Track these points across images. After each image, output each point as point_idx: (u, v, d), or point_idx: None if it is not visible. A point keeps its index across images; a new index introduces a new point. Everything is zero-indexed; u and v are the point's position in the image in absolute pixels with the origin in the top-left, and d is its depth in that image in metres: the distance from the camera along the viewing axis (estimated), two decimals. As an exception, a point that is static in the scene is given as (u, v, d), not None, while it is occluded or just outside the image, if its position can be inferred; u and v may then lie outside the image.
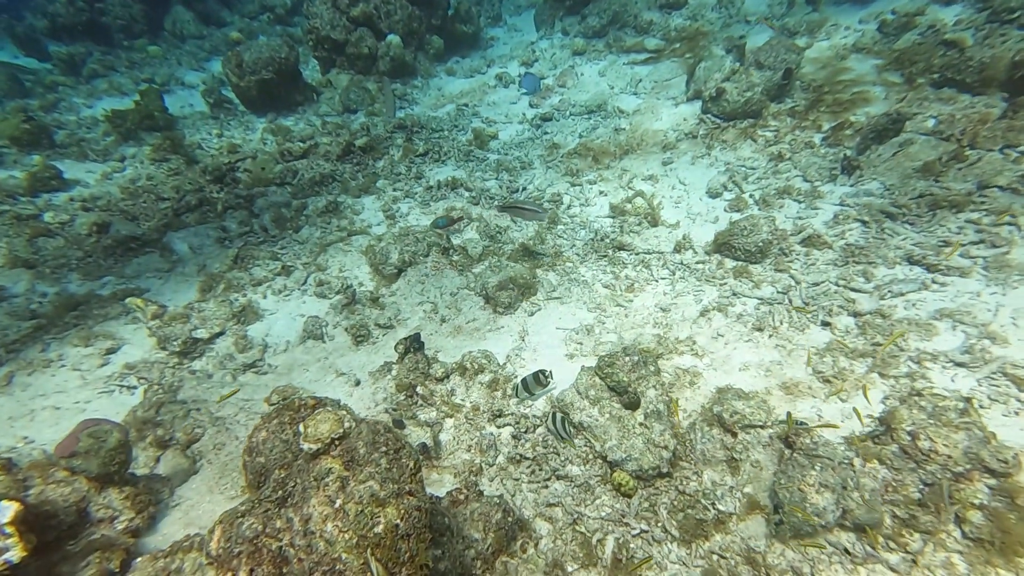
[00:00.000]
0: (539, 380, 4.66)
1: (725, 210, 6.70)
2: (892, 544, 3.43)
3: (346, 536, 2.47)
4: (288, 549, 2.43)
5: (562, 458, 4.44)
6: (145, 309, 5.21)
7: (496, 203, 7.35)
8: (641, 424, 4.32)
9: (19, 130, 8.88)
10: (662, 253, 6.46)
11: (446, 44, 12.09)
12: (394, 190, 8.33)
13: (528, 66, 11.52)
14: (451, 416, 4.77)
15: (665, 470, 4.14)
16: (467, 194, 8.22)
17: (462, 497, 3.86)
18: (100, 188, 8.15)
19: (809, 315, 5.08)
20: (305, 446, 2.58)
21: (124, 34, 13.54)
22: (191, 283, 6.37)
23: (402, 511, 2.63)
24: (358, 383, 5.10)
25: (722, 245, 6.05)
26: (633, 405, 4.45)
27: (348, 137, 8.92)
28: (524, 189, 8.30)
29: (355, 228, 7.43)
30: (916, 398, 3.73)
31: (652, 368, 4.57)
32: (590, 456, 4.41)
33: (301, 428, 2.61)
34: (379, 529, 2.53)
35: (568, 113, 9.86)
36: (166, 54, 12.94)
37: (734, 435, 4.16)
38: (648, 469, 4.13)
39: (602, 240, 6.90)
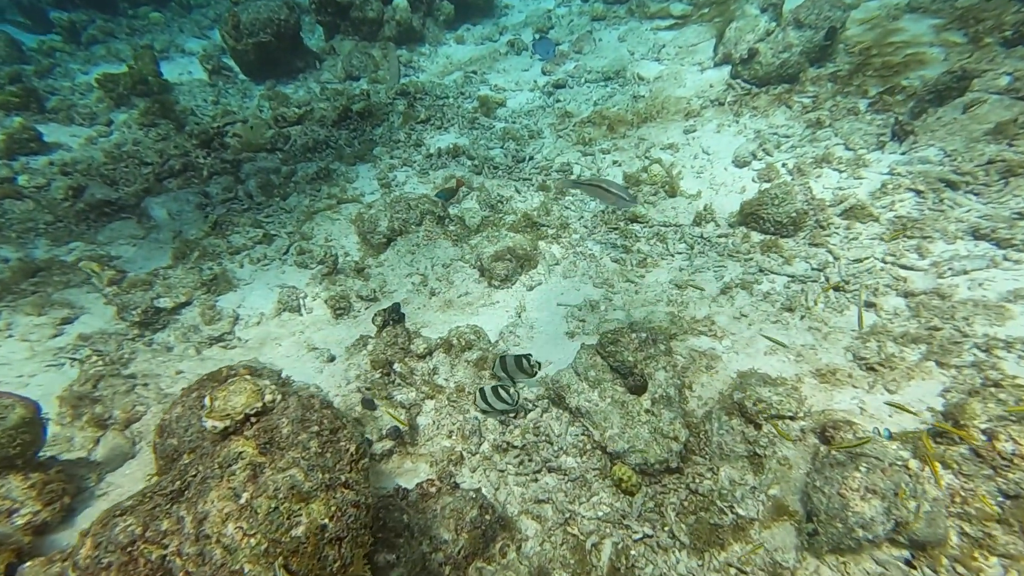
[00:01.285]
0: (521, 366, 4.03)
1: (753, 180, 5.96)
2: (960, 568, 2.75)
3: (252, 541, 1.90)
4: (173, 559, 1.87)
5: (556, 448, 3.84)
6: (101, 274, 4.73)
7: (562, 177, 6.33)
8: (647, 411, 3.69)
9: (6, 93, 8.52)
10: (680, 226, 5.76)
11: (457, 10, 11.41)
12: (391, 158, 7.75)
13: (543, 32, 10.79)
14: (432, 397, 4.19)
15: (674, 465, 3.51)
16: (469, 163, 7.60)
17: (433, 490, 3.29)
18: (82, 152, 7.73)
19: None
20: (208, 423, 2.01)
21: (128, 2, 13.16)
22: (165, 250, 5.90)
23: (333, 508, 2.05)
24: (332, 359, 4.55)
25: (748, 216, 5.33)
26: (639, 389, 3.82)
27: (345, 101, 8.35)
28: (531, 159, 7.65)
29: (346, 196, 6.88)
30: (992, 389, 3.02)
31: (662, 347, 3.92)
32: (587, 446, 3.80)
33: (207, 401, 2.05)
34: (299, 532, 1.95)
35: (583, 80, 9.14)
36: (168, 21, 12.52)
37: (758, 427, 3.50)
38: (654, 463, 3.50)
39: (613, 212, 6.23)
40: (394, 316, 4.33)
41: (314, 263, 5.66)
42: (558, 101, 8.87)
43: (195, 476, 2.01)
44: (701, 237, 5.46)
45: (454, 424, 4.03)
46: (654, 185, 6.25)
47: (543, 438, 3.92)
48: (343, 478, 2.13)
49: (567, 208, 6.56)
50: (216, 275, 5.36)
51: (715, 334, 4.42)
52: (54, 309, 4.94)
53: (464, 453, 3.85)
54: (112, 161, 7.38)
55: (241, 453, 1.99)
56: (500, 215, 6.46)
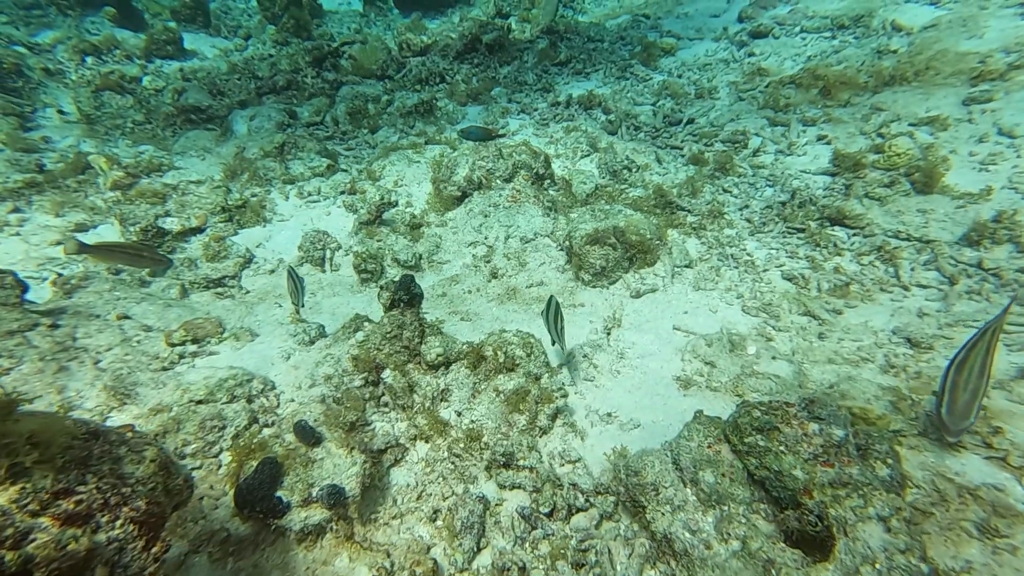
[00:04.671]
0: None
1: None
2: None
3: None
4: None
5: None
6: (107, 173, 3.90)
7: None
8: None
9: (179, 3, 8.70)
10: (930, 242, 3.31)
11: (640, -55, 9.34)
12: (509, 101, 6.18)
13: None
14: (426, 439, 2.56)
15: None
16: (604, 117, 5.72)
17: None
18: (212, 63, 7.44)
19: None
20: None
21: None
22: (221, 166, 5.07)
23: None
24: (312, 341, 3.12)
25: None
26: (813, 543, 1.79)
27: (476, 30, 6.94)
28: (691, 122, 5.52)
29: (439, 137, 5.48)
30: None
31: (886, 469, 1.82)
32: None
33: None
34: None
35: (798, 29, 6.60)
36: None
37: None
38: None
39: (801, 205, 3.94)
40: (402, 294, 2.76)
41: (364, 207, 4.35)
42: (751, 55, 6.50)
43: None
44: (978, 266, 2.99)
45: (446, 497, 2.36)
46: (891, 171, 3.79)
47: (593, 572, 2.08)
48: None
49: (726, 192, 4.40)
50: (245, 201, 4.31)
51: (1006, 455, 2.10)
52: (74, 212, 4.29)
53: (444, 564, 2.17)
54: (230, 72, 6.95)
55: None
56: (623, 186, 4.53)
